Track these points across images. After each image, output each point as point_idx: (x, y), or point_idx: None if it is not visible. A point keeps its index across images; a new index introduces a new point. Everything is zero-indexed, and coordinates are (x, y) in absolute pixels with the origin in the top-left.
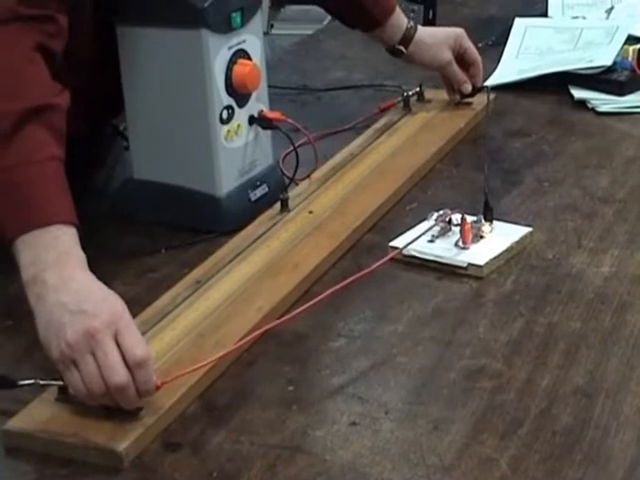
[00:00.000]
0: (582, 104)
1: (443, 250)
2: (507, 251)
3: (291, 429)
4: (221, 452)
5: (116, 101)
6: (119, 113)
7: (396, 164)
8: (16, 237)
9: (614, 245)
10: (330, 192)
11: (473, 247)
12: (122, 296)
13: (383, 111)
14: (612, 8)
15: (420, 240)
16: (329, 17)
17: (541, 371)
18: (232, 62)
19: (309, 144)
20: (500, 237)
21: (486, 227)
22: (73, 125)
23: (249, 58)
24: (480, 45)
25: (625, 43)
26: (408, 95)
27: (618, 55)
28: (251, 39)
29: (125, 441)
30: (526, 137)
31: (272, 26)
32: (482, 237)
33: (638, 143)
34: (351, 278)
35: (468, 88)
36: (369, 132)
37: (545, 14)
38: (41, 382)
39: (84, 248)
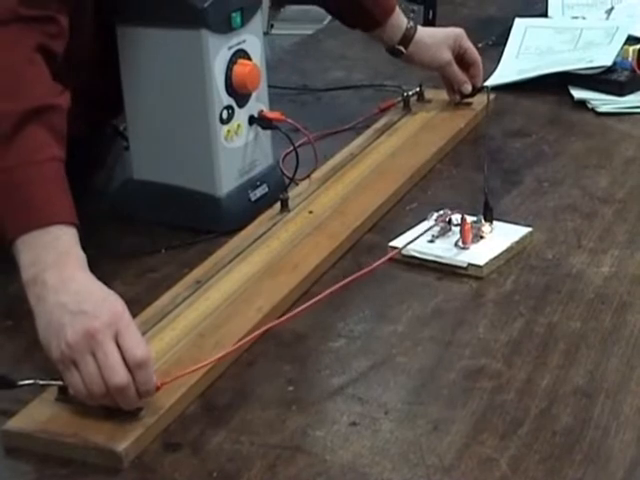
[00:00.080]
0: (582, 104)
1: (443, 250)
2: (507, 251)
3: (291, 429)
4: (221, 452)
5: (116, 101)
6: (119, 113)
7: (396, 164)
8: (16, 237)
9: (614, 245)
10: (330, 192)
11: (473, 247)
12: (122, 296)
13: (383, 111)
14: (612, 8)
15: (420, 240)
16: (329, 17)
17: (541, 371)
18: (232, 62)
19: (309, 144)
20: (500, 237)
21: (486, 227)
22: (73, 125)
23: (249, 58)
24: (480, 45)
25: (625, 43)
26: (408, 95)
27: (618, 55)
28: (251, 39)
29: (125, 441)
30: (526, 137)
31: (272, 26)
32: (482, 237)
33: (638, 143)
34: (351, 277)
35: (468, 88)
36: (369, 132)
37: (545, 14)
38: (41, 382)
39: (84, 248)
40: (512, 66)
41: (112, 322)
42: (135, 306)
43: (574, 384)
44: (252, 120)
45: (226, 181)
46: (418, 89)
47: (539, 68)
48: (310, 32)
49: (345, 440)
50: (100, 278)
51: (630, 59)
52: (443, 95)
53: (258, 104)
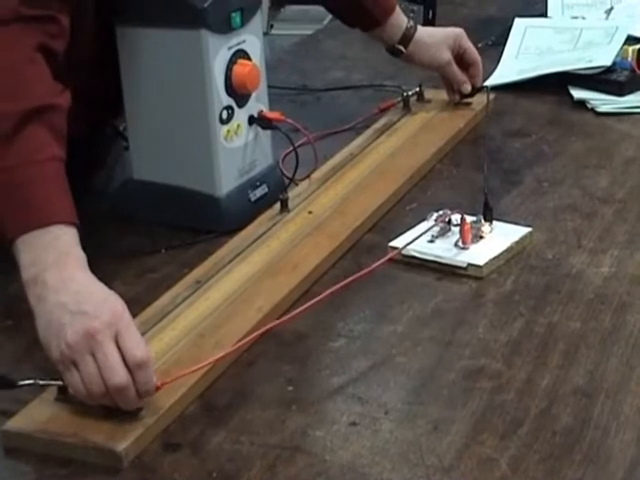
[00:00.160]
0: (582, 104)
1: (443, 250)
2: (507, 251)
3: (291, 429)
4: (221, 452)
5: (116, 101)
6: (119, 114)
7: (396, 164)
8: (16, 237)
9: (614, 245)
10: (330, 192)
11: (473, 247)
12: (122, 296)
13: (383, 111)
14: (612, 8)
15: (420, 240)
16: (329, 17)
17: (541, 371)
18: (232, 62)
19: (309, 144)
20: (500, 237)
21: (486, 227)
22: (73, 125)
23: (249, 58)
24: (480, 45)
25: (625, 43)
26: (408, 95)
27: (618, 55)
28: (251, 39)
29: (125, 441)
30: (526, 137)
31: (272, 26)
32: (482, 237)
33: (638, 143)
34: (351, 278)
35: (468, 88)
36: (369, 132)
37: (545, 14)
38: (41, 382)
39: (84, 248)
40: (512, 66)
41: (112, 322)
42: (135, 306)
43: (574, 384)
44: (252, 120)
45: (226, 181)
46: (418, 89)
47: (539, 68)
48: (310, 32)
49: (345, 440)
50: (100, 278)
51: (630, 59)
52: (443, 95)
53: (258, 104)
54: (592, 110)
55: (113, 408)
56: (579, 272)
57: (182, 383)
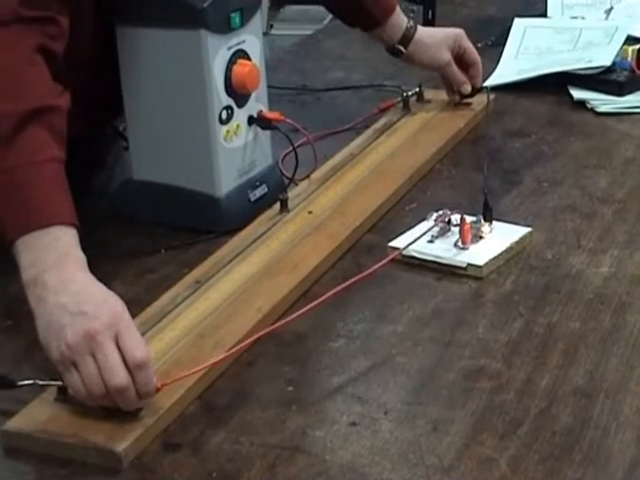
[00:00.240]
0: (581, 104)
1: (442, 250)
2: (506, 251)
3: (291, 429)
4: (221, 452)
5: (116, 102)
6: (119, 114)
7: (395, 164)
8: (16, 238)
9: (613, 245)
10: (329, 192)
11: (472, 247)
12: (122, 296)
13: (382, 111)
14: (611, 8)
15: (420, 240)
16: (329, 17)
17: (541, 371)
18: (231, 62)
19: (308, 144)
20: (499, 237)
21: (485, 227)
22: (73, 126)
23: (248, 58)
24: (479, 45)
25: (624, 43)
26: (408, 95)
27: (617, 55)
28: (250, 39)
29: (124, 441)
30: (525, 137)
31: (271, 26)
32: (481, 237)
33: (637, 143)
34: (352, 279)
35: (467, 88)
36: (368, 132)
37: (544, 14)
38: (40, 382)
39: (84, 248)
40: (511, 66)
41: (112, 323)
42: (135, 306)
43: (574, 384)
44: (251, 120)
45: (225, 181)
46: (418, 89)
47: (538, 68)
48: (309, 32)
49: (345, 440)
50: (100, 278)
51: (629, 59)
52: (443, 95)
53: (257, 104)
54: (592, 110)
55: (113, 409)
56: (579, 272)
57: (182, 383)
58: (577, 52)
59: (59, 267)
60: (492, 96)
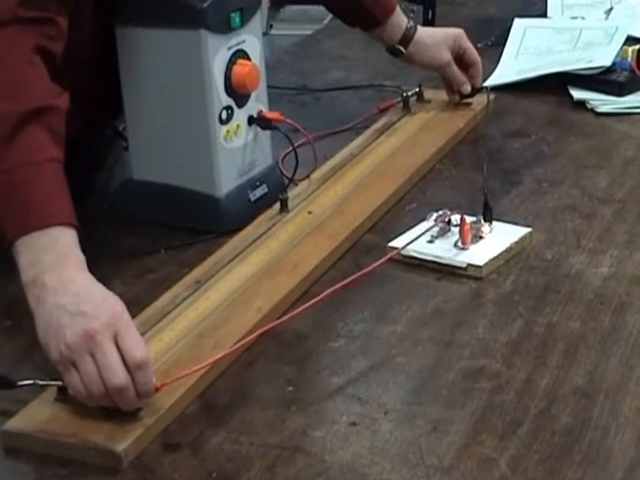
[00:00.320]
0: (581, 104)
1: (442, 250)
2: (506, 251)
3: (290, 429)
4: (220, 452)
5: (116, 102)
6: (119, 114)
7: (395, 164)
8: (16, 239)
9: (613, 245)
10: (329, 192)
11: (472, 247)
12: (121, 296)
13: (382, 111)
14: (611, 9)
15: (419, 240)
16: (328, 17)
17: (540, 371)
18: (231, 62)
19: (308, 144)
20: (499, 237)
21: (485, 227)
22: (73, 126)
23: (248, 58)
24: (479, 45)
25: (624, 44)
26: (407, 95)
27: (617, 56)
28: (250, 39)
29: (124, 441)
30: (525, 137)
31: (271, 26)
32: (481, 237)
33: (637, 144)
34: (350, 278)
35: (467, 89)
36: (368, 132)
37: (544, 14)
38: (40, 382)
39: (84, 249)
40: (511, 66)
41: (111, 323)
42: (134, 306)
43: (573, 384)
44: (251, 120)
45: (225, 181)
46: (417, 89)
47: (538, 68)
48: (309, 32)
49: (344, 440)
50: (99, 278)
51: (629, 59)
52: (442, 95)
53: (257, 104)
54: (592, 110)
55: (113, 409)
56: (578, 272)
57: (182, 383)
58: (577, 52)
59: (58, 268)
60: (492, 96)
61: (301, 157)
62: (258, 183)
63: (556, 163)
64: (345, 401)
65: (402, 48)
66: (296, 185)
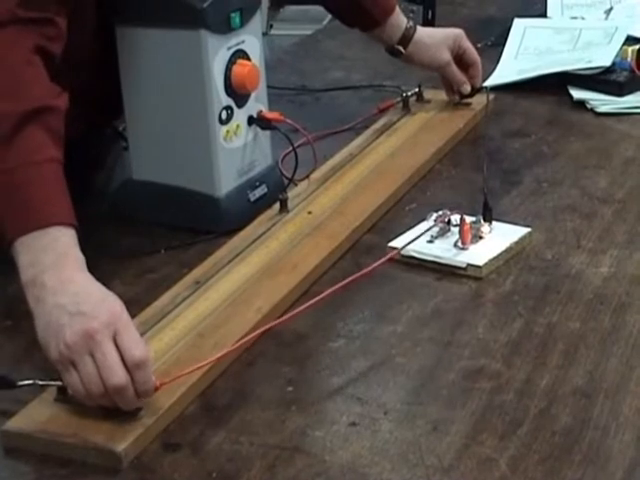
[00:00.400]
0: (581, 104)
1: (442, 250)
2: (506, 251)
3: (290, 429)
4: (220, 452)
5: (116, 102)
6: (119, 114)
7: (395, 164)
8: (15, 239)
9: (613, 245)
10: (329, 192)
11: (472, 247)
12: (121, 296)
13: (382, 111)
14: (611, 9)
15: (419, 240)
16: (328, 17)
17: (540, 371)
18: (231, 62)
19: (308, 144)
20: (499, 237)
21: (485, 227)
22: (73, 126)
23: (248, 58)
24: (479, 45)
25: (624, 44)
26: (407, 95)
27: (617, 56)
28: (250, 39)
29: (124, 441)
30: (525, 137)
31: (271, 26)
32: (481, 237)
33: (637, 144)
34: (350, 278)
35: (467, 89)
36: (368, 132)
37: (544, 14)
38: (40, 382)
39: (83, 249)
40: (511, 66)
41: (110, 322)
42: (134, 306)
43: (573, 384)
44: (251, 120)
45: (225, 181)
46: (417, 89)
47: (538, 68)
48: (309, 32)
49: (344, 440)
50: (99, 278)
51: (629, 59)
52: (442, 95)
53: (257, 104)
54: (591, 110)
55: (112, 408)
56: (578, 272)
57: (181, 383)
58: (577, 52)
59: (58, 267)
60: (492, 96)
61: (301, 157)
62: (258, 183)
63: (556, 163)
64: (345, 401)
65: (401, 48)
66: (296, 185)
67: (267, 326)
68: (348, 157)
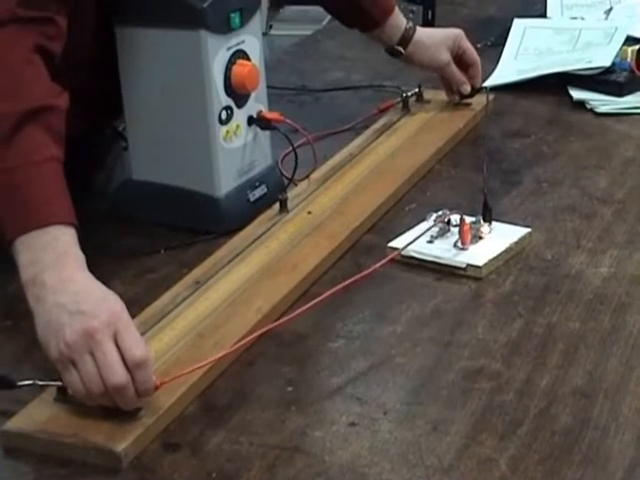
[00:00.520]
0: (581, 105)
1: (442, 251)
2: (506, 252)
3: (290, 429)
4: (220, 452)
5: (116, 102)
6: (119, 115)
7: (395, 164)
8: (15, 238)
9: (613, 245)
10: (329, 192)
11: (472, 248)
12: (121, 296)
13: (382, 112)
14: (611, 9)
15: (419, 241)
16: (328, 18)
17: (540, 371)
18: (231, 63)
19: (308, 145)
20: (499, 238)
21: (485, 228)
22: (73, 126)
23: (248, 59)
24: (479, 46)
25: (624, 44)
26: (407, 96)
27: (617, 56)
28: (250, 40)
29: (124, 441)
30: (525, 138)
31: (271, 27)
32: (481, 238)
33: (637, 144)
34: (351, 279)
35: (467, 89)
36: (368, 132)
37: (544, 15)
38: (40, 382)
39: (83, 248)
40: (511, 66)
41: (111, 322)
42: (134, 306)
43: (573, 384)
44: (251, 121)
45: (225, 182)
46: (417, 90)
47: (538, 68)
48: (309, 33)
49: (344, 440)
50: (99, 278)
51: (629, 60)
52: (442, 96)
53: (257, 104)
54: (591, 111)
55: (112, 408)
56: (578, 272)
57: (181, 383)
58: (577, 52)
59: (58, 266)
60: (491, 96)
61: (301, 157)
62: (258, 183)
63: (556, 163)
64: (345, 401)
65: (401, 49)
66: (296, 185)
67: (266, 328)
68: (348, 157)
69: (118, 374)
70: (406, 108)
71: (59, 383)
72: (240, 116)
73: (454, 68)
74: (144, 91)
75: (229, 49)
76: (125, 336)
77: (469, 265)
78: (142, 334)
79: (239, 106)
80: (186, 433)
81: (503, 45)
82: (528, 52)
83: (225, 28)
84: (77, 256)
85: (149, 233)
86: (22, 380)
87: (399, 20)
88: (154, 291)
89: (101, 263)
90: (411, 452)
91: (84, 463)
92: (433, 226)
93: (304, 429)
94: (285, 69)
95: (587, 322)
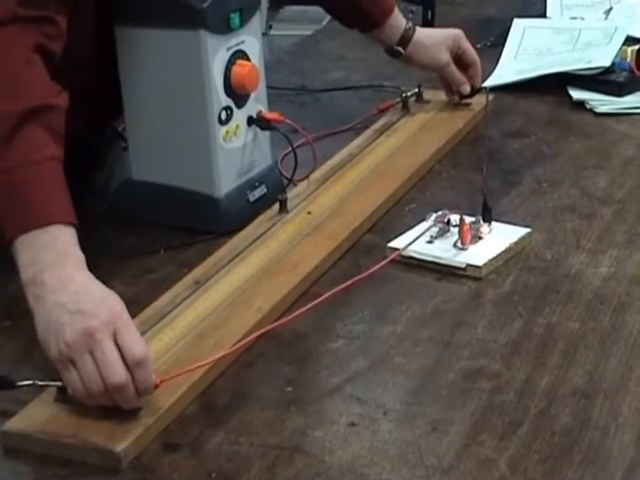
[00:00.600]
0: (581, 105)
1: (442, 251)
2: (506, 252)
3: (290, 429)
4: (220, 453)
5: (116, 102)
6: (119, 115)
7: (395, 165)
8: (15, 237)
9: (613, 245)
10: (329, 193)
11: (472, 248)
12: (121, 296)
13: (382, 112)
14: (611, 9)
15: (419, 241)
16: (328, 18)
17: (540, 371)
18: (231, 63)
19: (308, 145)
20: (499, 238)
21: (485, 228)
22: (72, 126)
23: (248, 59)
24: (479, 46)
25: (624, 44)
26: (407, 96)
27: (617, 56)
28: (250, 40)
29: (124, 442)
30: (525, 138)
31: (271, 27)
32: (481, 238)
33: (637, 144)
34: (351, 280)
35: (467, 89)
36: (368, 133)
37: (544, 15)
38: (40, 383)
39: (83, 248)
40: (511, 67)
41: (110, 321)
42: (134, 306)
43: (573, 384)
44: (251, 121)
45: (225, 182)
46: (417, 90)
47: (538, 69)
48: (309, 33)
49: (344, 440)
50: (99, 278)
51: (629, 60)
52: (442, 96)
53: (257, 105)
54: (591, 111)
55: (112, 408)
56: (578, 272)
57: (181, 383)
58: (576, 52)
59: (58, 266)
60: (491, 96)
61: (300, 157)
62: (257, 183)
63: (556, 163)
64: (344, 401)
65: (401, 49)
66: (295, 185)
67: (266, 328)
68: (348, 157)
69: (118, 373)
70: (406, 108)
71: (59, 383)
72: (240, 116)
73: (454, 68)
74: (144, 91)
75: (229, 49)
76: (125, 335)
77: (469, 265)
78: (142, 334)
79: (239, 106)
80: (186, 433)
81: (503, 45)
82: (528, 52)
83: (225, 28)
84: (77, 256)
85: (149, 233)
86: (22, 380)
87: (399, 20)
88: (154, 291)
89: (101, 263)
90: (411, 452)
91: (84, 463)
92: (433, 226)
93: (304, 429)
94: (285, 69)
95: (587, 322)
